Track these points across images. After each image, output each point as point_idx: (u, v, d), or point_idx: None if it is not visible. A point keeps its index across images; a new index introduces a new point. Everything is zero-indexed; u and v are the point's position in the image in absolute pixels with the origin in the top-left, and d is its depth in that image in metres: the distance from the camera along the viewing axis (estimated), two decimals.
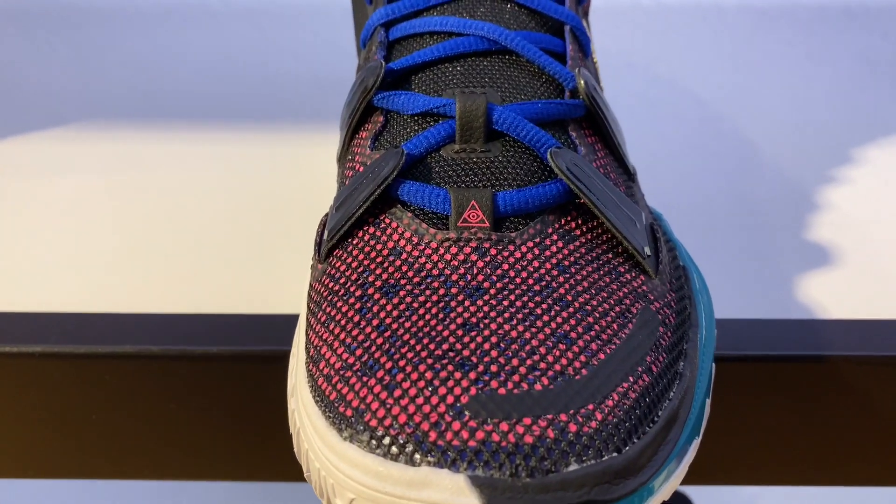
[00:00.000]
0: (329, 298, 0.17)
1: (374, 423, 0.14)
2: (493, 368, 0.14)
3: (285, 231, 0.27)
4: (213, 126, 0.34)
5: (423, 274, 0.16)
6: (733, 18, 0.49)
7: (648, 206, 0.22)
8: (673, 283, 0.18)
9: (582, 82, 0.20)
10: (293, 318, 0.22)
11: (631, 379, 0.15)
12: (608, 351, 0.15)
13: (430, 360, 0.14)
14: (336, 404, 0.15)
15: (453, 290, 0.16)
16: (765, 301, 0.25)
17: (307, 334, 0.17)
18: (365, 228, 0.18)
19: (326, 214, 0.20)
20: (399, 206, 0.18)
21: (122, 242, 0.27)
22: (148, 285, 0.25)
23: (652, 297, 0.17)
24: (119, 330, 0.23)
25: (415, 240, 0.17)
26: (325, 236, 0.18)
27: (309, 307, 0.18)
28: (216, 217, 0.28)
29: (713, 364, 0.18)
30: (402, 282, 0.16)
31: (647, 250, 0.18)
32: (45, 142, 0.34)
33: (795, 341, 0.23)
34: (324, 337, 0.16)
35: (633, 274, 0.17)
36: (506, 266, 0.17)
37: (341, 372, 0.15)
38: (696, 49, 0.46)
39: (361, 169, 0.19)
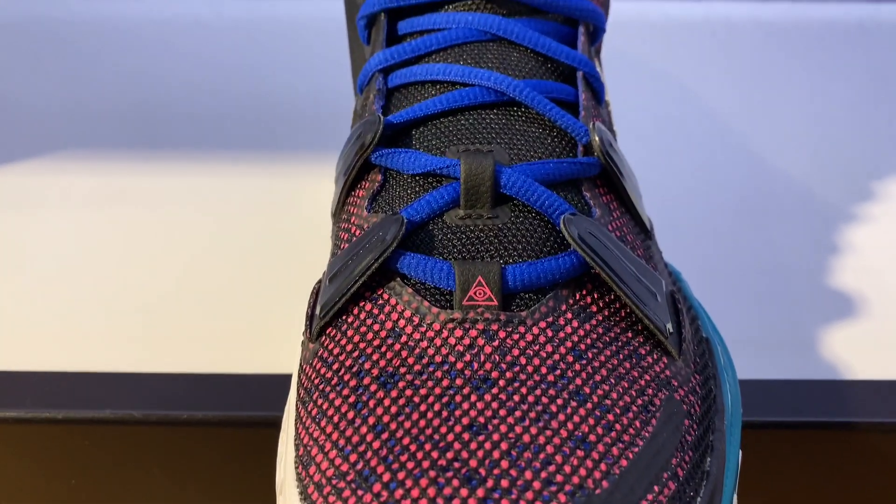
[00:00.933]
0: (321, 388, 0.15)
1: None
2: (504, 483, 0.13)
3: (277, 284, 0.25)
4: (200, 168, 0.33)
5: (424, 361, 0.15)
6: (743, 32, 0.47)
7: (666, 264, 0.20)
8: (697, 362, 0.17)
9: (597, 138, 0.18)
10: (285, 379, 0.20)
11: (656, 489, 0.13)
12: (631, 456, 0.14)
13: (432, 473, 0.13)
14: None
15: (458, 382, 0.15)
16: (782, 359, 0.23)
17: (297, 427, 0.15)
18: (361, 304, 0.16)
19: (319, 281, 0.18)
20: (398, 279, 0.16)
21: (99, 296, 0.25)
22: (128, 343, 0.23)
23: (676, 384, 0.16)
24: (98, 393, 0.22)
25: (415, 320, 0.16)
26: (317, 310, 0.17)
27: (299, 394, 0.16)
28: (203, 268, 0.26)
29: (740, 451, 0.17)
30: (402, 370, 0.15)
31: (670, 327, 0.16)
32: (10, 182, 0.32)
33: (819, 405, 0.22)
34: (315, 436, 0.15)
35: (655, 356, 0.16)
36: (516, 351, 0.15)
37: (333, 481, 0.14)
38: (705, 63, 0.45)
39: (357, 233, 0.18)
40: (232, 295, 0.25)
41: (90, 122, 0.37)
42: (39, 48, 0.44)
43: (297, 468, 0.15)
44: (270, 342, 0.23)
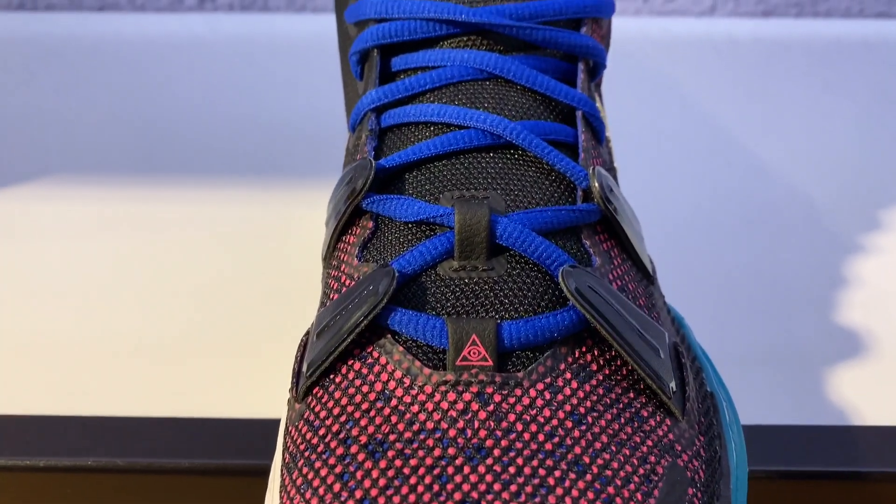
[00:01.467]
0: (307, 455, 0.15)
1: None
2: None
3: (267, 325, 0.24)
4: (190, 199, 0.32)
5: (415, 428, 0.14)
6: (746, 49, 0.47)
7: (669, 308, 0.20)
8: (701, 421, 0.16)
9: (596, 184, 0.17)
10: (275, 424, 0.19)
11: None
12: None
13: None
14: None
15: (451, 451, 0.14)
16: (785, 402, 0.23)
17: (281, 496, 0.15)
18: (349, 363, 0.16)
19: (308, 333, 0.17)
20: (389, 336, 0.15)
21: (81, 336, 0.24)
22: (112, 386, 0.23)
23: (679, 448, 0.15)
24: (80, 439, 0.21)
25: (406, 381, 0.15)
26: (304, 368, 0.16)
27: (284, 458, 0.15)
28: (189, 308, 0.25)
29: None
30: (391, 437, 0.14)
31: (673, 386, 0.16)
32: None
33: (826, 452, 0.21)
34: None
35: (658, 418, 0.15)
36: (512, 417, 0.14)
37: None
38: (708, 80, 0.44)
39: (348, 282, 0.17)
40: (220, 335, 0.24)
41: (78, 145, 0.37)
42: (31, 68, 0.43)
43: None
44: (260, 385, 0.22)
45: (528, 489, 0.13)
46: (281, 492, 0.15)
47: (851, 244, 0.31)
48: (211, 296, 0.26)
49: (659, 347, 0.16)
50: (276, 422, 0.19)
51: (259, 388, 0.22)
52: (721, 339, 0.24)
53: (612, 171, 0.21)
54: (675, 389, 0.16)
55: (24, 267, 0.28)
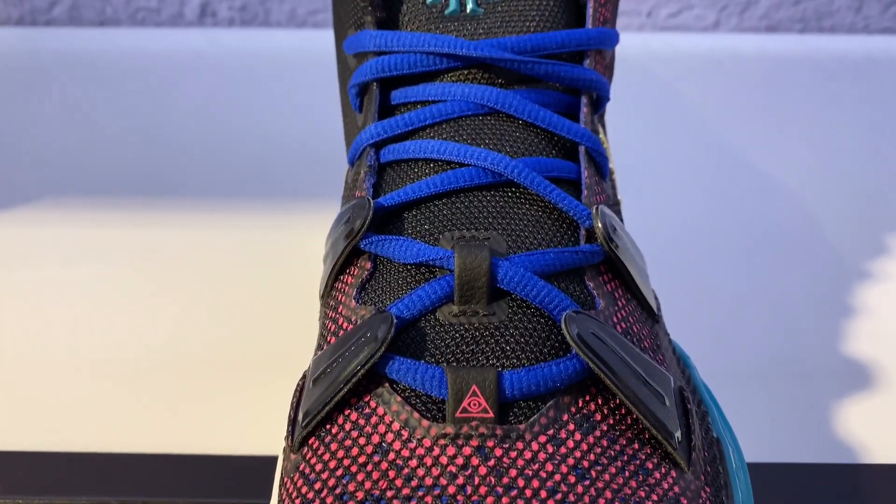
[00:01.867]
0: None
1: None
2: None
3: (264, 358, 0.24)
4: (186, 225, 0.31)
5: (413, 484, 0.14)
6: (751, 64, 0.46)
7: (674, 347, 0.19)
8: (708, 471, 0.16)
9: (600, 225, 0.17)
10: (273, 461, 0.19)
11: None
12: None
13: None
14: None
15: None
16: (792, 440, 0.22)
17: None
18: (346, 413, 0.15)
19: (304, 377, 0.17)
20: (387, 384, 0.15)
21: (72, 368, 0.24)
22: (106, 420, 0.22)
23: (685, 502, 0.15)
24: (73, 476, 0.21)
25: (404, 434, 0.14)
26: (299, 416, 0.16)
27: None
28: (184, 341, 0.25)
29: None
30: (389, 494, 0.14)
31: (678, 436, 0.15)
32: None
33: (835, 491, 0.21)
34: None
35: (663, 470, 0.15)
36: (513, 472, 0.14)
37: None
38: (712, 96, 0.44)
39: (345, 325, 0.17)
40: (217, 369, 0.24)
41: (78, 161, 0.36)
42: (31, 84, 0.43)
43: None
44: (257, 421, 0.22)
45: None
46: None
47: (857, 265, 0.30)
48: (208, 328, 0.25)
49: (664, 394, 0.16)
50: (274, 459, 0.19)
51: (256, 424, 0.22)
52: (727, 369, 0.24)
53: (615, 205, 0.20)
54: (680, 439, 0.15)
55: (16, 292, 0.27)
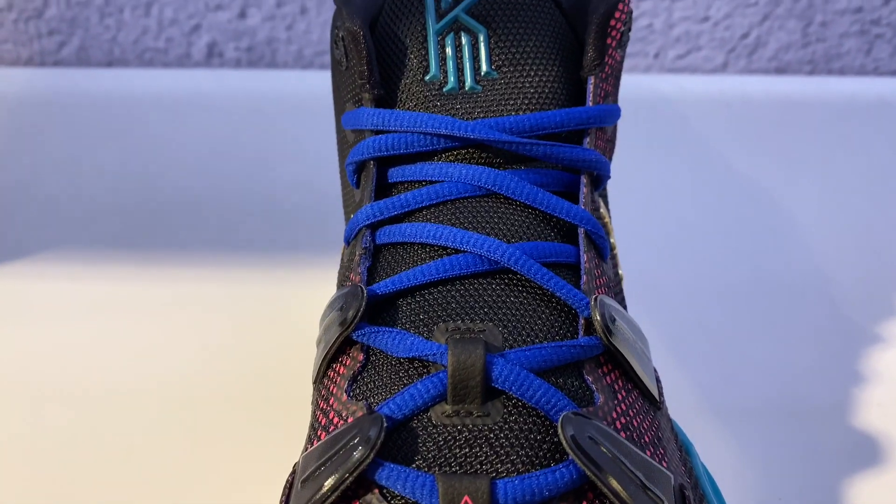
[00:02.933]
0: None
1: None
2: None
3: (256, 441, 0.23)
4: (186, 281, 0.31)
5: None
6: (760, 106, 0.46)
7: (676, 433, 0.19)
8: None
9: (598, 317, 0.16)
10: None
11: None
12: None
13: None
14: None
15: None
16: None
17: None
18: None
19: (293, 472, 0.16)
20: (376, 491, 0.15)
21: (69, 432, 0.24)
22: (101, 484, 0.22)
23: None
24: None
25: None
26: None
27: None
28: (181, 403, 0.25)
29: None
30: None
31: None
32: None
33: None
34: None
35: None
36: None
37: None
38: (720, 137, 0.43)
39: (337, 420, 0.16)
40: (211, 436, 0.23)
41: (85, 203, 0.36)
42: (39, 124, 0.43)
43: None
44: (253, 485, 0.21)
45: None
46: None
47: (865, 307, 0.30)
48: (203, 406, 0.25)
49: (664, 499, 0.15)
50: None
51: (254, 488, 0.21)
52: (727, 451, 0.23)
53: (617, 284, 0.20)
54: None
55: (11, 349, 0.27)
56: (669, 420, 0.19)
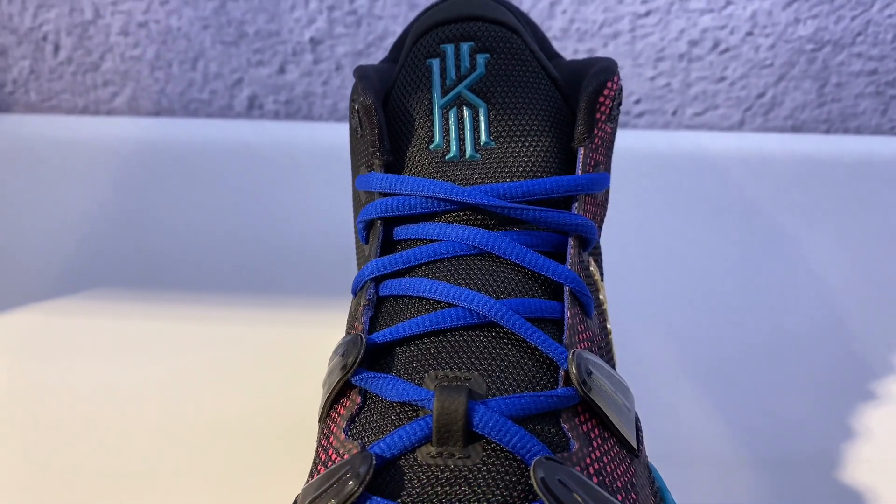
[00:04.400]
0: None
1: None
2: None
3: (266, 463, 0.25)
4: (194, 324, 0.33)
5: None
6: (776, 164, 0.47)
7: (653, 478, 0.20)
8: None
9: (574, 370, 0.18)
10: None
11: None
12: None
13: None
14: None
15: None
16: None
17: None
18: None
19: (295, 503, 0.18)
20: None
21: (86, 456, 0.26)
22: None
23: None
24: None
25: None
26: None
27: None
28: (191, 436, 0.27)
29: None
30: None
31: None
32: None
33: None
34: None
35: None
36: None
37: None
38: (737, 194, 0.44)
39: (334, 457, 0.18)
40: (226, 467, 0.25)
41: (131, 245, 0.39)
42: (92, 169, 0.47)
43: None
44: None
45: None
46: None
47: (880, 367, 0.30)
48: (220, 439, 0.27)
49: None
50: None
51: None
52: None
53: (602, 339, 0.21)
54: None
55: (28, 389, 0.29)
56: (647, 467, 0.20)
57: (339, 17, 0.48)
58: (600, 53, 0.47)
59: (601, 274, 0.24)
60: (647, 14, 0.46)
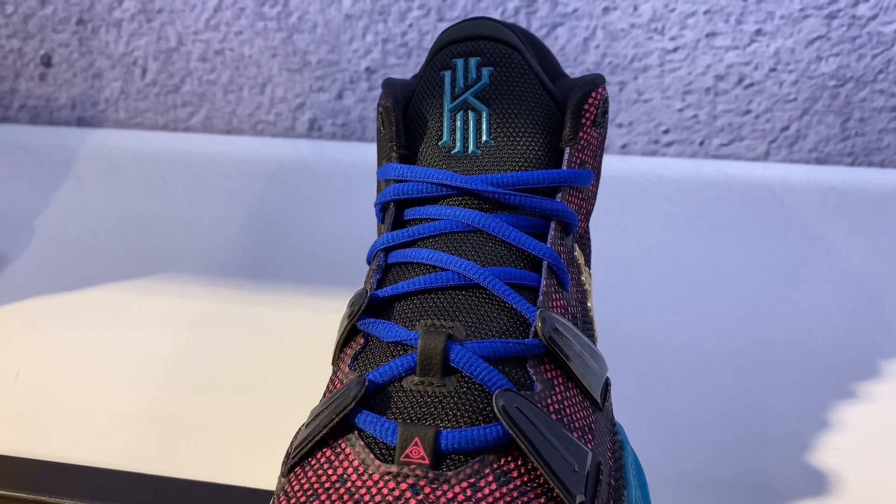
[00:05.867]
0: None
1: None
2: None
3: (277, 413, 0.29)
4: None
5: None
6: (801, 193, 0.48)
7: (617, 430, 0.23)
8: None
9: (539, 325, 0.21)
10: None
11: None
12: None
13: None
14: None
15: None
16: None
17: None
18: (323, 450, 0.20)
19: (304, 424, 0.22)
20: (356, 432, 0.20)
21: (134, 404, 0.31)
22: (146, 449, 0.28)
23: None
24: (109, 486, 0.26)
25: (360, 469, 0.19)
26: (291, 450, 0.21)
27: None
28: (213, 392, 0.31)
29: None
30: None
31: (581, 497, 0.19)
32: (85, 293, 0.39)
33: None
34: None
35: None
36: None
37: None
38: (762, 221, 0.46)
39: (339, 387, 0.22)
40: (236, 418, 0.29)
41: (200, 244, 0.44)
42: (169, 181, 0.52)
43: None
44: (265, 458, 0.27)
45: None
46: None
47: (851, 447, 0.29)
48: (235, 387, 0.31)
49: (576, 464, 0.20)
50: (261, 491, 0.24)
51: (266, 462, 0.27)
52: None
53: (580, 312, 0.24)
54: (583, 500, 0.19)
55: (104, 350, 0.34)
56: (611, 422, 0.23)
57: (391, 48, 0.53)
58: (631, 86, 0.51)
59: (587, 260, 0.27)
60: (675, 50, 0.49)
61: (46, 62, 0.58)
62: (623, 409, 0.28)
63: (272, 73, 0.56)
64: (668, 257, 0.42)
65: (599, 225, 0.43)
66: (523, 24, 0.50)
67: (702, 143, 0.52)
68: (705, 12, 0.48)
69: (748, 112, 0.50)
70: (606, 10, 0.49)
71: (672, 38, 0.49)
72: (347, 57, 0.54)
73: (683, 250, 0.43)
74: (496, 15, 0.50)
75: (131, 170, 0.54)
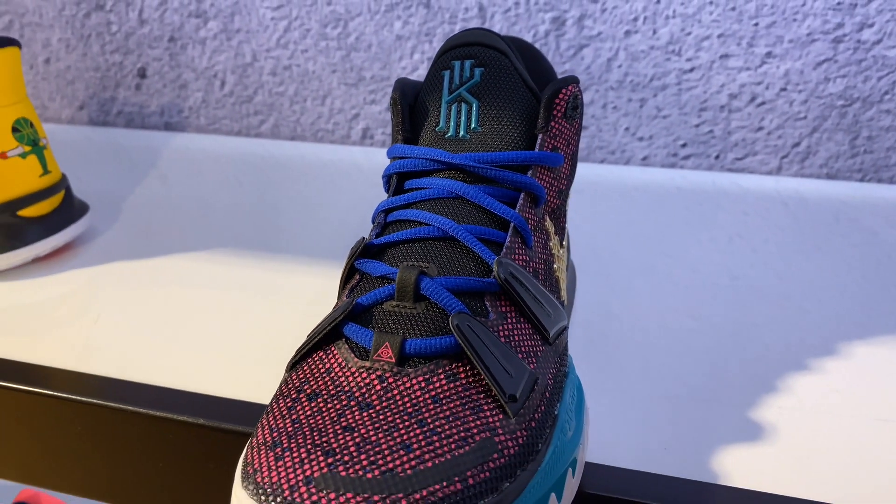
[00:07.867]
0: (277, 397, 0.25)
1: (259, 479, 0.21)
2: (346, 458, 0.21)
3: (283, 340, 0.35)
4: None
5: (338, 389, 0.24)
6: (812, 207, 0.51)
7: (567, 363, 0.28)
8: (532, 426, 0.24)
9: (495, 268, 0.26)
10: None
11: (444, 483, 0.21)
12: (437, 462, 0.21)
13: (309, 446, 0.22)
14: (246, 465, 0.22)
15: (352, 403, 0.23)
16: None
17: (265, 414, 0.25)
18: (318, 352, 0.26)
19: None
20: (344, 339, 0.25)
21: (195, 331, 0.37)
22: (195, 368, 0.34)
23: (500, 431, 0.23)
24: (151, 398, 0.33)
25: (343, 364, 0.25)
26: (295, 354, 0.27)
27: (273, 398, 0.26)
28: (228, 317, 0.37)
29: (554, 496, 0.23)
30: (324, 393, 0.24)
31: (513, 396, 0.24)
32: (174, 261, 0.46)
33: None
34: (262, 423, 0.24)
35: (493, 412, 0.24)
36: (395, 392, 0.23)
37: (257, 445, 0.23)
38: (774, 232, 0.48)
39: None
40: (245, 340, 0.35)
41: (271, 231, 0.51)
42: (242, 180, 0.59)
43: (250, 439, 0.24)
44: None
45: (384, 427, 0.22)
46: (265, 413, 0.25)
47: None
48: (272, 302, 0.37)
49: (514, 374, 0.24)
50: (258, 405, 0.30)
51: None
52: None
53: (544, 269, 0.29)
54: (515, 398, 0.24)
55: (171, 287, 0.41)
56: (562, 357, 0.28)
57: None
58: (651, 103, 0.55)
59: (558, 230, 0.32)
60: (692, 70, 0.53)
61: (142, 74, 0.66)
62: (640, 412, 0.31)
63: (332, 87, 0.63)
64: (685, 265, 0.44)
65: (621, 233, 0.47)
66: (553, 46, 0.55)
67: (717, 157, 0.55)
68: (719, 36, 0.52)
69: (761, 129, 0.54)
70: (628, 33, 0.54)
71: (688, 59, 0.53)
72: (397, 73, 0.60)
73: (701, 258, 0.45)
74: (528, 37, 0.55)
75: (209, 168, 0.62)
